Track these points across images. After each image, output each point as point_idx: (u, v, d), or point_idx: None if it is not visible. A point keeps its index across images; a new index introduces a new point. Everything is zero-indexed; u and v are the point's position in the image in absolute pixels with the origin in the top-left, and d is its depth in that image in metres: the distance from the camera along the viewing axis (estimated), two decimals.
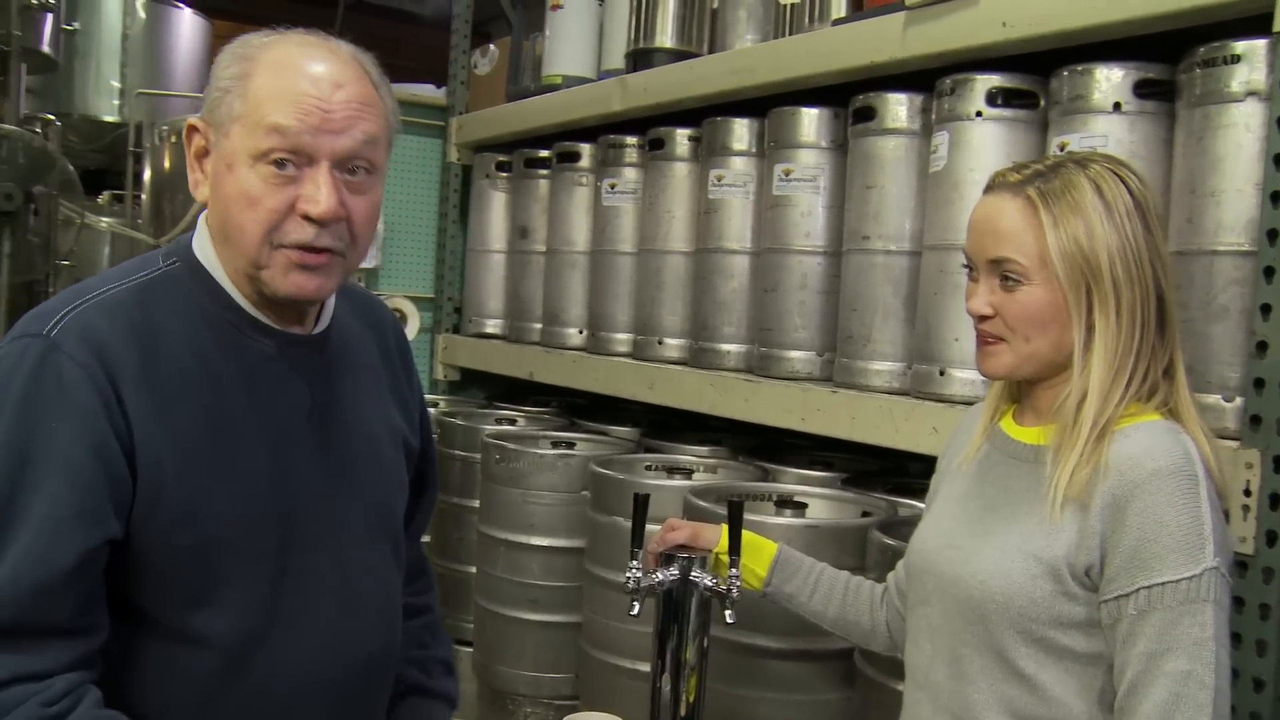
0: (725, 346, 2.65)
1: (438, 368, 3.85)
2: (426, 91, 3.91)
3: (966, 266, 1.45)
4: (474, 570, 2.93)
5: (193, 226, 1.40)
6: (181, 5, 7.82)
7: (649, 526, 1.77)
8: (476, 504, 2.93)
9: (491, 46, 3.65)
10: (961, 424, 1.63)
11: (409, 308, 3.75)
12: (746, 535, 1.71)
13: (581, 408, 3.45)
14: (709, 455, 2.73)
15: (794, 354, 2.46)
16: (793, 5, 2.60)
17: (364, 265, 3.70)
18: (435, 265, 3.93)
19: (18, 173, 4.01)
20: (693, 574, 1.69)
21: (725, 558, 1.68)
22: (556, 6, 3.27)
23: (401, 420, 1.55)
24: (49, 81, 5.07)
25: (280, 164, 1.27)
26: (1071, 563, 1.32)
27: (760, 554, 1.71)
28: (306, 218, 1.29)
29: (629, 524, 1.78)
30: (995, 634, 1.36)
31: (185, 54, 7.73)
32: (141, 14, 7.50)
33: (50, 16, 4.65)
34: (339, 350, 1.46)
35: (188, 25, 7.77)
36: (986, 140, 2.00)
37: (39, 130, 4.52)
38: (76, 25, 5.65)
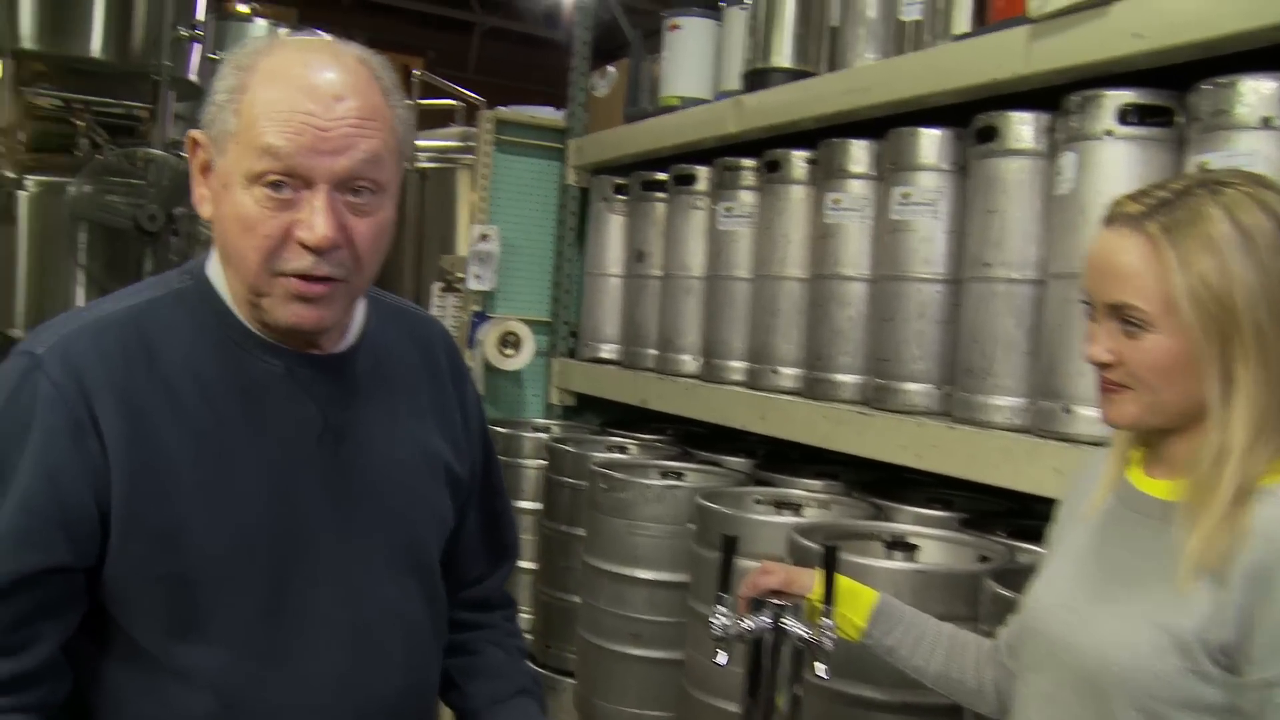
0: (841, 377, 2.54)
1: (553, 392, 3.81)
2: (545, 114, 3.90)
3: (1086, 304, 1.31)
4: (578, 601, 2.87)
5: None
6: (319, 33, 8.07)
7: (746, 563, 1.68)
8: (583, 533, 2.88)
9: (610, 68, 3.61)
10: (1084, 470, 1.48)
11: (523, 331, 3.73)
12: (845, 582, 1.60)
13: (698, 436, 3.37)
14: (821, 490, 2.62)
15: (911, 387, 2.33)
16: (915, 22, 2.49)
17: (479, 287, 3.70)
18: (552, 289, 3.90)
19: (162, 194, 4.14)
20: (785, 621, 1.59)
21: (820, 605, 1.58)
22: (675, 27, 3.22)
23: (445, 446, 1.46)
24: (195, 108, 5.24)
25: (276, 186, 1.20)
26: (1205, 639, 1.17)
27: (859, 602, 1.60)
28: (304, 245, 1.21)
29: (741, 561, 1.68)
30: (1113, 711, 1.22)
31: None
32: None
33: (197, 46, 4.81)
34: (367, 371, 1.38)
35: None
36: (1117, 161, 1.86)
37: (183, 154, 4.68)
38: (222, 54, 5.82)
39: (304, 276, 1.23)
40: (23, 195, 4.51)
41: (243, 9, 8.21)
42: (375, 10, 11.48)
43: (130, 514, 1.20)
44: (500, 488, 1.62)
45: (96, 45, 4.65)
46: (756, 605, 1.61)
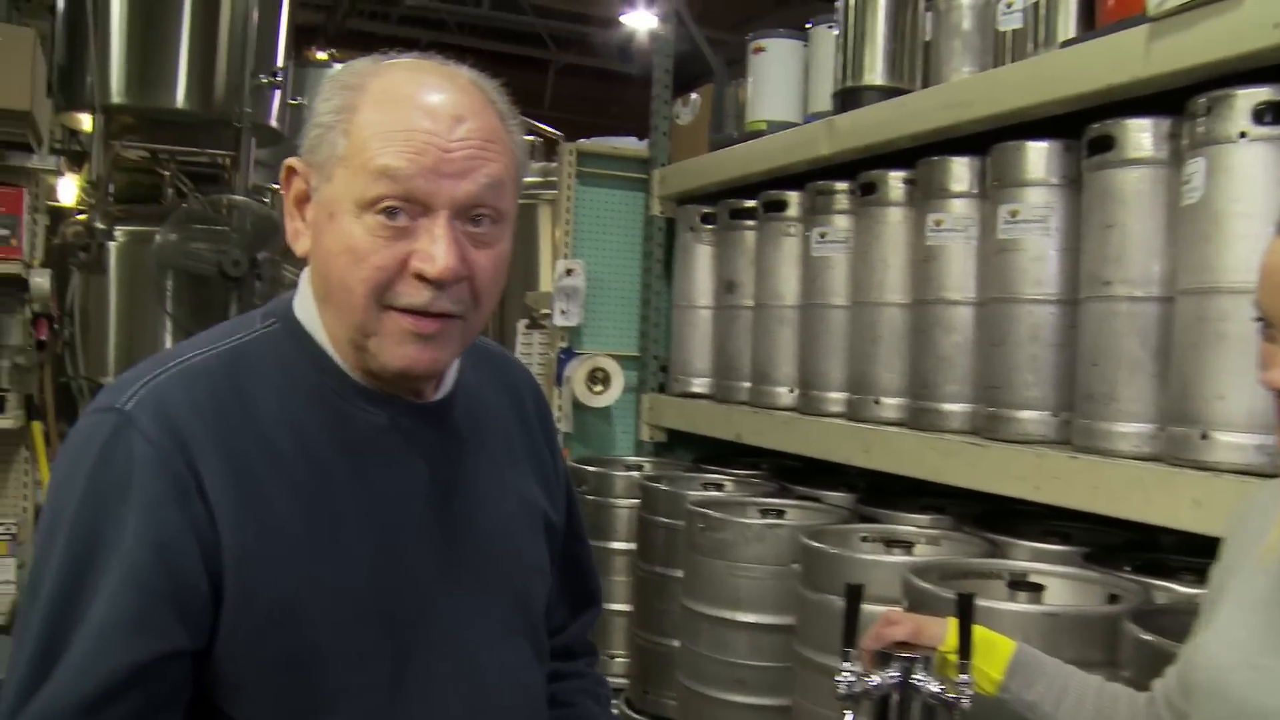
0: (948, 406, 2.41)
1: (643, 429, 3.72)
2: (628, 144, 3.83)
3: (1259, 321, 1.17)
4: (677, 645, 2.76)
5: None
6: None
7: (869, 607, 1.56)
8: (680, 574, 2.77)
9: (694, 95, 3.53)
10: (1254, 503, 1.34)
11: (612, 366, 3.65)
12: (983, 632, 1.47)
13: (793, 470, 3.25)
14: (931, 525, 2.49)
15: (1025, 414, 2.20)
16: (1013, 32, 2.38)
17: (566, 323, 3.63)
18: (639, 322, 3.82)
19: (245, 239, 4.17)
20: (915, 677, 1.45)
21: (954, 658, 1.44)
22: (759, 50, 3.13)
23: (541, 496, 1.36)
24: (276, 154, 5.29)
25: (391, 213, 1.09)
26: None
27: (994, 653, 1.46)
28: (421, 278, 1.10)
29: (842, 603, 1.56)
30: None
31: None
32: None
33: (278, 93, 4.86)
34: (465, 419, 1.27)
35: None
36: (1253, 165, 1.72)
37: (266, 200, 4.71)
38: (302, 100, 5.90)
39: (419, 312, 1.12)
40: (112, 246, 4.57)
41: (321, 56, 8.35)
42: (452, 53, 11.58)
43: (242, 587, 1.07)
44: (583, 533, 1.53)
45: (181, 96, 4.72)
46: (883, 659, 1.49)
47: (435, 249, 1.09)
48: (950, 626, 1.46)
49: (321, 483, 1.14)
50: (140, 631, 1.03)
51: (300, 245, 1.19)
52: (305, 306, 1.21)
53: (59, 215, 6.46)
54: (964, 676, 1.43)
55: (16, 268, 3.49)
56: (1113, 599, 1.91)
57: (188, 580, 1.06)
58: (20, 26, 3.74)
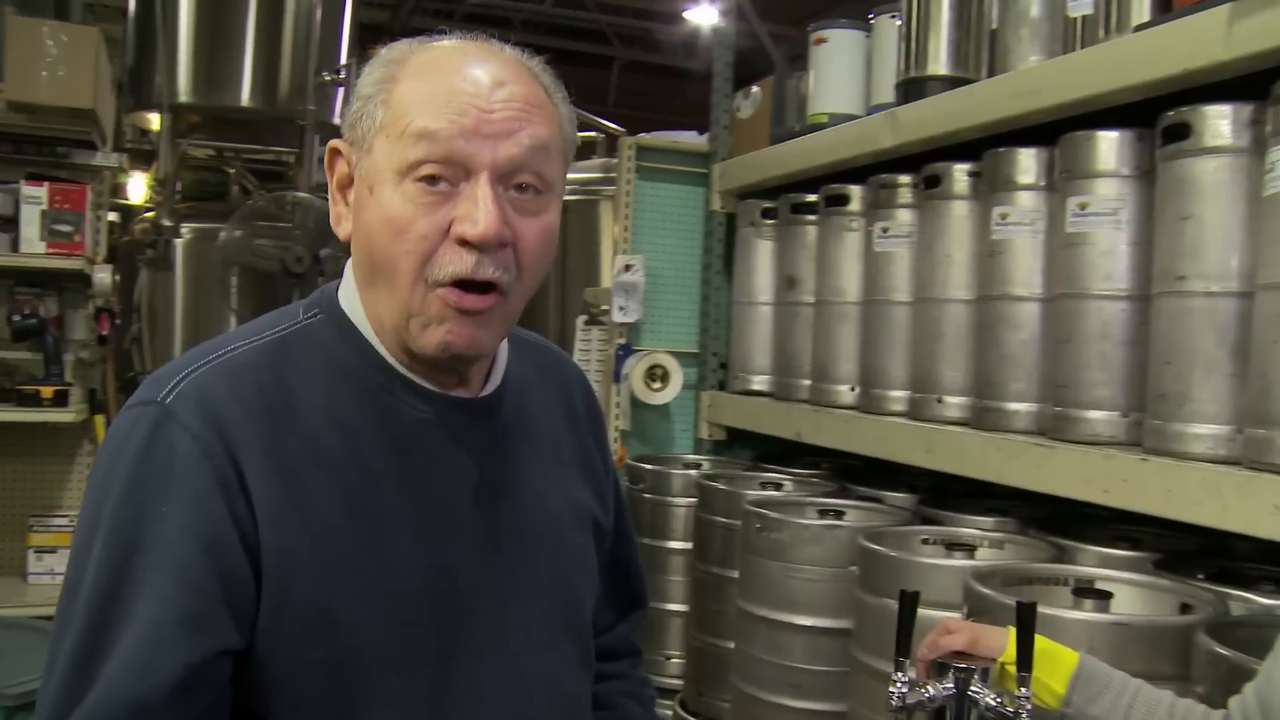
0: (1013, 406, 2.33)
1: (703, 427, 3.66)
2: (688, 138, 3.78)
3: None
4: (732, 646, 2.70)
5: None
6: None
7: (928, 613, 1.50)
8: (736, 575, 2.72)
9: (754, 88, 3.47)
10: None
11: (671, 363, 3.60)
12: (1044, 643, 1.39)
13: (855, 470, 3.18)
14: (994, 528, 2.41)
15: (1094, 414, 2.12)
16: (1083, 18, 2.29)
17: (624, 319, 3.59)
18: (700, 319, 3.76)
19: (308, 236, 4.19)
20: (972, 689, 1.38)
21: (1013, 670, 1.37)
22: (821, 41, 3.06)
23: (590, 496, 1.33)
24: None
25: (432, 180, 1.06)
26: None
27: (1056, 665, 1.39)
28: (464, 242, 1.06)
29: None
30: None
31: None
32: None
33: (341, 90, 4.89)
34: (514, 415, 1.24)
35: None
36: None
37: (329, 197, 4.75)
38: None
39: (463, 285, 1.08)
40: (179, 242, 4.62)
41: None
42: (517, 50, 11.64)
43: (282, 588, 1.04)
44: (631, 534, 1.49)
45: (246, 95, 4.77)
46: (939, 669, 1.42)
47: (477, 211, 1.06)
48: (1009, 636, 1.39)
49: (366, 482, 1.11)
50: (193, 630, 1.01)
51: (343, 229, 1.16)
52: (349, 296, 1.18)
53: (129, 213, 6.58)
54: (1024, 690, 1.35)
55: (80, 263, 3.53)
56: (1185, 609, 1.83)
57: (235, 575, 1.04)
58: (85, 26, 3.79)
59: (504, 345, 1.27)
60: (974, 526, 2.42)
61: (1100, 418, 2.11)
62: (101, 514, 1.04)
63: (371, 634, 1.08)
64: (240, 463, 1.05)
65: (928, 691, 1.40)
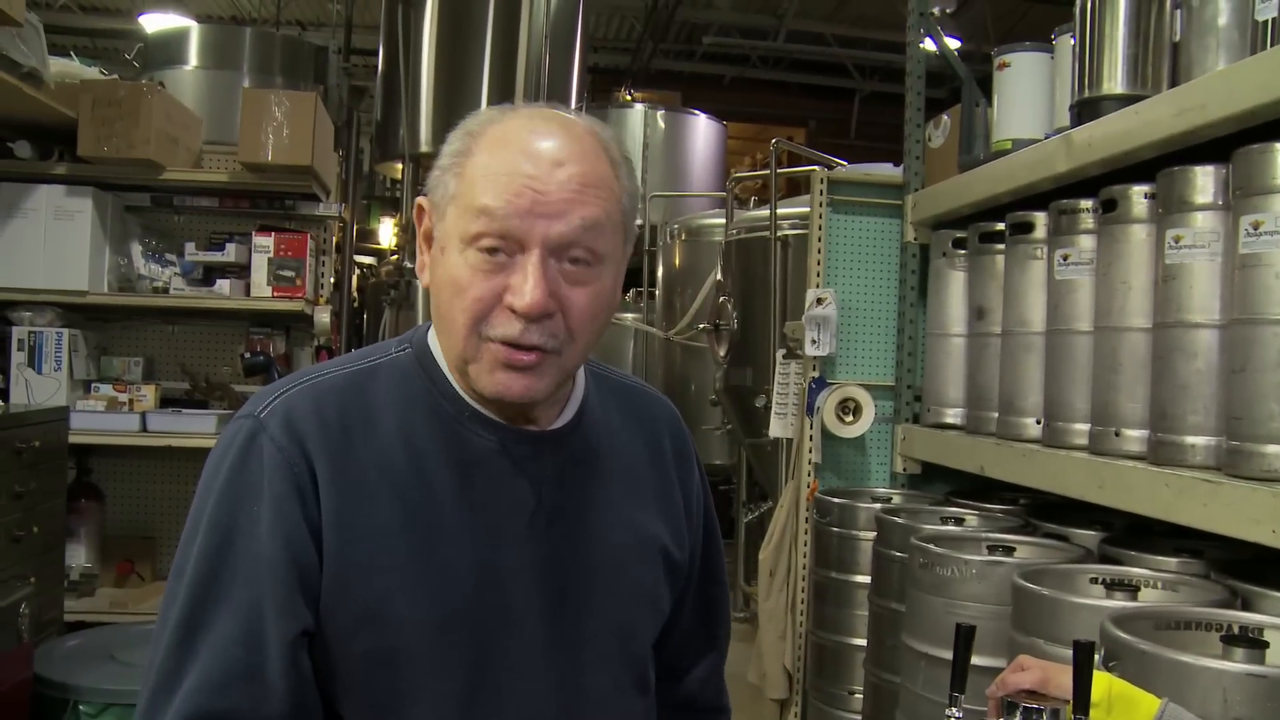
0: (1189, 439, 2.19)
1: (897, 460, 3.60)
2: (883, 170, 3.74)
3: None
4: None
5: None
6: (697, 113, 8.35)
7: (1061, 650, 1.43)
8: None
9: (944, 116, 3.41)
10: None
11: (862, 396, 3.56)
12: (1121, 687, 1.33)
13: (1053, 506, 3.04)
14: (1177, 569, 2.26)
15: (1270, 449, 1.97)
16: (1272, 21, 2.14)
17: (816, 353, 3.58)
18: (895, 351, 3.71)
19: None
20: None
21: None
22: (1003, 65, 2.98)
23: (665, 531, 1.37)
24: None
25: (491, 251, 1.16)
26: None
27: (1135, 711, 1.32)
28: (513, 310, 1.16)
29: (1054, 648, 1.45)
30: None
31: (700, 156, 8.23)
32: (660, 124, 8.10)
33: None
34: (585, 448, 1.32)
35: (702, 130, 8.28)
36: None
37: None
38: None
39: (512, 344, 1.18)
40: (419, 283, 4.95)
41: (628, 97, 8.68)
42: (756, 86, 11.74)
43: (339, 583, 1.17)
44: (720, 575, 1.52)
45: None
46: (1008, 708, 1.38)
47: (525, 285, 1.15)
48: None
49: (428, 495, 1.22)
50: (283, 611, 1.15)
51: (424, 277, 1.28)
52: (435, 336, 1.30)
53: (380, 256, 7.06)
54: None
55: (300, 305, 3.86)
56: None
57: (308, 569, 1.17)
58: (304, 93, 4.15)
59: (581, 382, 1.36)
60: (1155, 567, 2.28)
61: (1277, 452, 1.96)
62: (205, 508, 1.21)
63: (412, 633, 1.19)
64: (315, 473, 1.18)
65: None
